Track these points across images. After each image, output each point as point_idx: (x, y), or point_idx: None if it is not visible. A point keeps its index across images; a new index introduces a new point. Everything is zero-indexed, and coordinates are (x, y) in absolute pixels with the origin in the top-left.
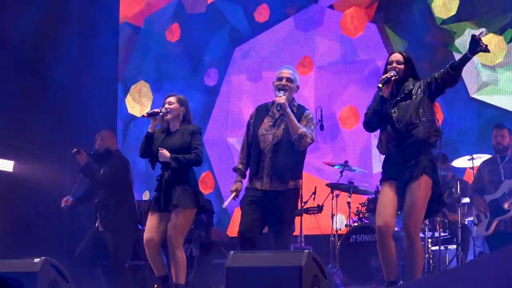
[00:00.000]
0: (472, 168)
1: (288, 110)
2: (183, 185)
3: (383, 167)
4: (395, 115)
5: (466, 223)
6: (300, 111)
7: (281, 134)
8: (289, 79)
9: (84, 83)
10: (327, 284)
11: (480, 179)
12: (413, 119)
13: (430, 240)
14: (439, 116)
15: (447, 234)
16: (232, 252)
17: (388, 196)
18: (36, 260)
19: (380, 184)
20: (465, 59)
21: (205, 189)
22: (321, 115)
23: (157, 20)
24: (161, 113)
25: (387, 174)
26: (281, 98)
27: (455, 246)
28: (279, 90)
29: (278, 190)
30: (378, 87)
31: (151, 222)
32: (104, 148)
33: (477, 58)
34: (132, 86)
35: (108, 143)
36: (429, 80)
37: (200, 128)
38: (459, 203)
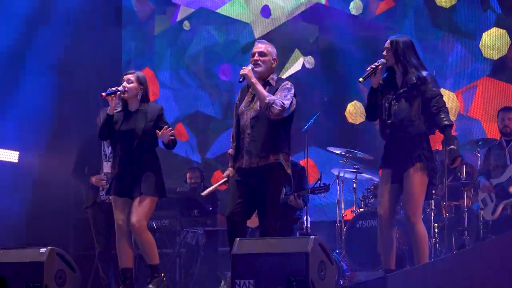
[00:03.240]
0: (478, 152)
1: (253, 80)
2: (147, 171)
3: (383, 154)
4: (395, 107)
5: (472, 207)
6: (279, 84)
7: (257, 108)
8: (261, 53)
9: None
10: (334, 270)
11: (486, 163)
12: (410, 117)
13: (436, 224)
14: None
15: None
16: (238, 239)
17: (386, 185)
18: (43, 250)
19: (380, 168)
20: (446, 143)
21: None
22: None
23: None
24: (118, 92)
25: (384, 162)
26: (245, 69)
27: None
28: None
29: (258, 166)
30: (359, 81)
31: (120, 207)
32: None
33: None
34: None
35: None
36: (426, 96)
37: (163, 108)
38: (465, 187)
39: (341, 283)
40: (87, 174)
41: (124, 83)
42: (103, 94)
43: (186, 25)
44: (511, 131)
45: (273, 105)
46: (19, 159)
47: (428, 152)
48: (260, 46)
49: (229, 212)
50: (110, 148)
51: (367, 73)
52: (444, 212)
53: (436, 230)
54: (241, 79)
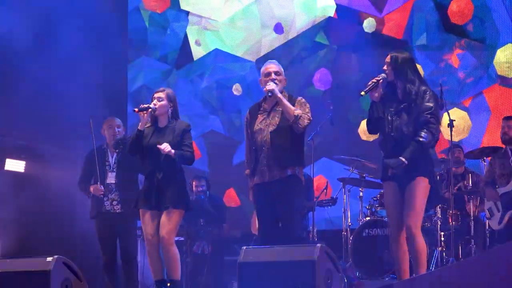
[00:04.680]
0: (484, 160)
1: (279, 94)
2: (174, 185)
3: (382, 166)
4: (396, 122)
5: (478, 216)
6: (292, 100)
7: (276, 123)
8: (276, 73)
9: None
10: (341, 278)
11: (491, 172)
12: (411, 131)
13: (442, 233)
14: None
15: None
16: (244, 247)
17: (392, 199)
18: (49, 259)
19: (382, 182)
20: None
21: None
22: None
23: None
24: (150, 109)
25: (387, 175)
26: (271, 85)
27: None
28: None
29: (277, 179)
30: (360, 94)
31: (148, 219)
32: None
33: None
34: None
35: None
36: (420, 110)
37: (190, 125)
38: (471, 196)
39: None
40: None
41: (155, 101)
42: (136, 109)
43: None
44: (509, 139)
45: (302, 118)
46: (25, 169)
47: (430, 165)
48: (274, 66)
49: (262, 232)
50: (114, 159)
51: (368, 87)
52: (450, 221)
53: (442, 239)
54: (269, 94)
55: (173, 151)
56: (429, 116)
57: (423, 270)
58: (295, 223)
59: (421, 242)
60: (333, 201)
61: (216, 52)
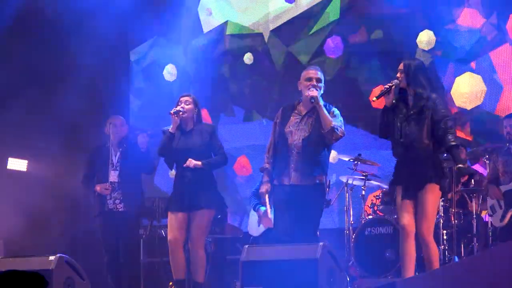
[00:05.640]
0: (487, 159)
1: (321, 103)
2: (205, 186)
3: (394, 169)
4: (406, 128)
5: (481, 214)
6: (327, 109)
7: (309, 130)
8: (318, 80)
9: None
10: (343, 276)
11: (495, 169)
12: (420, 138)
13: (445, 231)
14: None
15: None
16: (246, 246)
17: (404, 200)
18: (51, 257)
19: (392, 185)
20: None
21: None
22: None
23: None
24: (181, 112)
25: (398, 180)
26: (314, 91)
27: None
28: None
29: (305, 185)
30: (372, 100)
31: (175, 221)
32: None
33: None
34: None
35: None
36: (435, 119)
37: (215, 127)
38: (473, 194)
39: None
40: (96, 183)
41: (183, 104)
42: (171, 112)
43: None
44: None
45: (337, 131)
46: (27, 168)
47: (440, 171)
48: (317, 72)
49: (280, 232)
50: (117, 157)
51: (381, 92)
52: (452, 219)
53: (445, 237)
54: (312, 101)
55: (199, 163)
56: (447, 123)
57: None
58: (315, 227)
59: (434, 248)
60: (327, 202)
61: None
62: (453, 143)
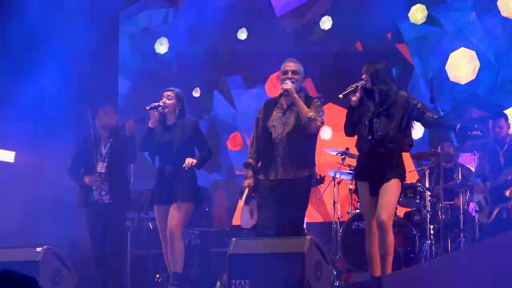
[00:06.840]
0: (474, 154)
1: (296, 95)
2: (184, 179)
3: (357, 164)
4: (376, 125)
5: (468, 209)
6: (308, 101)
7: (292, 123)
8: (294, 72)
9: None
10: (330, 270)
11: (482, 165)
12: (391, 134)
13: (432, 226)
14: None
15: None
16: (234, 239)
17: (368, 197)
18: (38, 249)
19: (354, 179)
20: (450, 129)
21: None
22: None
23: None
24: (160, 107)
25: (361, 175)
26: (288, 84)
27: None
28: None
29: (292, 178)
30: (339, 97)
31: (158, 214)
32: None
33: None
34: None
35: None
36: (410, 105)
37: (198, 122)
38: (461, 189)
39: (337, 284)
40: (82, 174)
41: (164, 99)
42: (147, 108)
43: None
44: (502, 138)
45: (315, 121)
46: (15, 159)
47: (402, 168)
48: (292, 65)
49: (262, 226)
50: (107, 149)
51: (347, 91)
52: (439, 214)
53: (432, 232)
54: (285, 93)
55: (195, 161)
56: (422, 104)
57: (390, 266)
58: (301, 219)
59: (392, 239)
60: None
61: None
62: (436, 115)
